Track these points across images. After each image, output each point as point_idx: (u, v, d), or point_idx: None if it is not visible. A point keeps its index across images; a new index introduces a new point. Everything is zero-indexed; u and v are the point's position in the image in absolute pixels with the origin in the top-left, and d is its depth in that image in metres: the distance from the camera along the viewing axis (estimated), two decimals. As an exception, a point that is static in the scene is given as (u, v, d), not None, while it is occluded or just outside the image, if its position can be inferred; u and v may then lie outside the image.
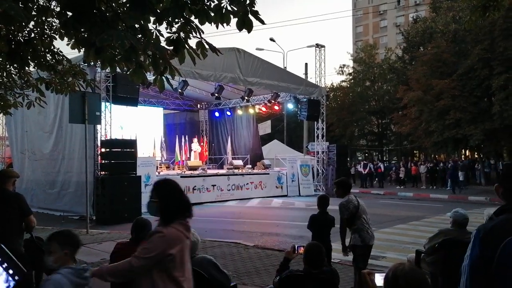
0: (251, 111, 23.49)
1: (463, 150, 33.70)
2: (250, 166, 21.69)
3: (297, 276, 3.60)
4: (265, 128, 28.64)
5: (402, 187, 26.14)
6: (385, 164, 31.87)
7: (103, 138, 13.95)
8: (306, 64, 34.21)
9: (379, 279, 2.44)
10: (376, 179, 28.19)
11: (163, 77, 3.28)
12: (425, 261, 5.11)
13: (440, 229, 5.19)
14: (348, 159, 28.53)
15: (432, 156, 34.72)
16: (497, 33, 23.16)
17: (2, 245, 2.00)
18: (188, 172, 18.51)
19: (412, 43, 34.35)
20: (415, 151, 39.30)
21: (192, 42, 3.22)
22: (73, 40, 3.34)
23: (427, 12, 43.36)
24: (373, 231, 5.84)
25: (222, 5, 3.04)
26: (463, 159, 31.25)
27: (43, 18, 4.46)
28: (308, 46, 25.27)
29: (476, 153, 31.61)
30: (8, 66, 5.68)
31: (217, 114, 24.90)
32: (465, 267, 2.10)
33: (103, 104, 13.31)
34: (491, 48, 23.64)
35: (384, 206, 17.12)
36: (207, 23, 3.11)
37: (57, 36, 4.79)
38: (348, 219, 5.64)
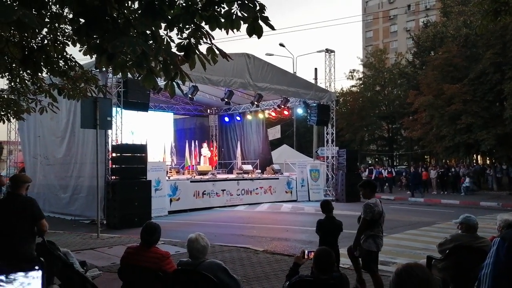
0: (260, 116, 23.51)
1: (474, 155, 33.40)
2: (260, 171, 21.69)
3: (306, 281, 3.59)
4: (275, 133, 28.65)
5: (413, 192, 25.87)
6: (395, 169, 31.70)
7: (114, 143, 14.05)
8: (315, 69, 34.03)
9: None
10: (386, 184, 28.01)
11: (174, 83, 3.31)
12: (436, 267, 5.07)
13: (451, 235, 5.15)
14: (358, 164, 28.37)
15: (443, 161, 34.44)
16: (509, 37, 22.99)
17: None
18: (198, 177, 18.56)
19: (423, 47, 34.19)
20: (426, 156, 39.02)
21: (203, 48, 3.25)
22: (85, 47, 3.39)
23: (437, 17, 43.17)
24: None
25: (232, 11, 3.06)
26: (474, 164, 30.95)
27: (56, 25, 4.51)
28: (317, 51, 25.30)
29: (488, 158, 31.31)
30: (21, 72, 5.77)
31: (226, 119, 24.97)
32: (486, 275, 2.05)
33: (114, 109, 13.41)
34: (503, 52, 23.46)
35: (395, 211, 16.99)
36: (217, 29, 3.14)
37: (69, 43, 4.85)
38: (369, 221, 5.57)
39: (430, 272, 2.02)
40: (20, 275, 1.54)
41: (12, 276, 1.52)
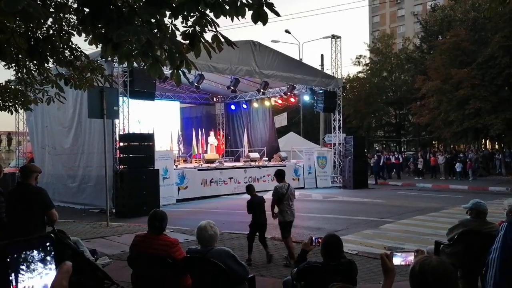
0: (267, 103, 23.46)
1: (483, 140, 33.16)
2: (267, 158, 21.71)
3: (314, 267, 3.61)
4: (281, 120, 28.60)
5: (420, 178, 25.86)
6: (403, 155, 31.60)
7: (121, 133, 14.11)
8: (322, 55, 33.77)
9: (397, 259, 2.48)
10: (394, 170, 27.95)
11: (180, 71, 3.30)
12: (444, 252, 5.07)
13: (460, 220, 5.14)
14: (366, 150, 28.35)
15: (452, 146, 34.25)
16: (518, 20, 22.63)
17: None
18: (205, 165, 18.62)
19: (430, 32, 33.80)
20: (433, 142, 38.81)
21: (208, 36, 3.23)
22: (90, 36, 3.38)
23: (445, 0, 42.55)
24: (295, 210, 7.38)
25: (237, -2, 3.03)
26: (483, 149, 30.73)
27: (61, 14, 4.50)
28: (324, 37, 25.05)
29: (496, 143, 31.08)
30: (27, 62, 5.77)
31: (233, 107, 24.94)
32: (494, 259, 2.04)
33: (120, 98, 13.43)
34: (511, 35, 23.12)
35: (403, 197, 16.99)
36: (222, 16, 3.12)
37: (75, 32, 4.85)
38: (277, 200, 7.23)
39: (451, 267, 1.92)
40: (31, 254, 1.51)
41: (23, 256, 1.49)
